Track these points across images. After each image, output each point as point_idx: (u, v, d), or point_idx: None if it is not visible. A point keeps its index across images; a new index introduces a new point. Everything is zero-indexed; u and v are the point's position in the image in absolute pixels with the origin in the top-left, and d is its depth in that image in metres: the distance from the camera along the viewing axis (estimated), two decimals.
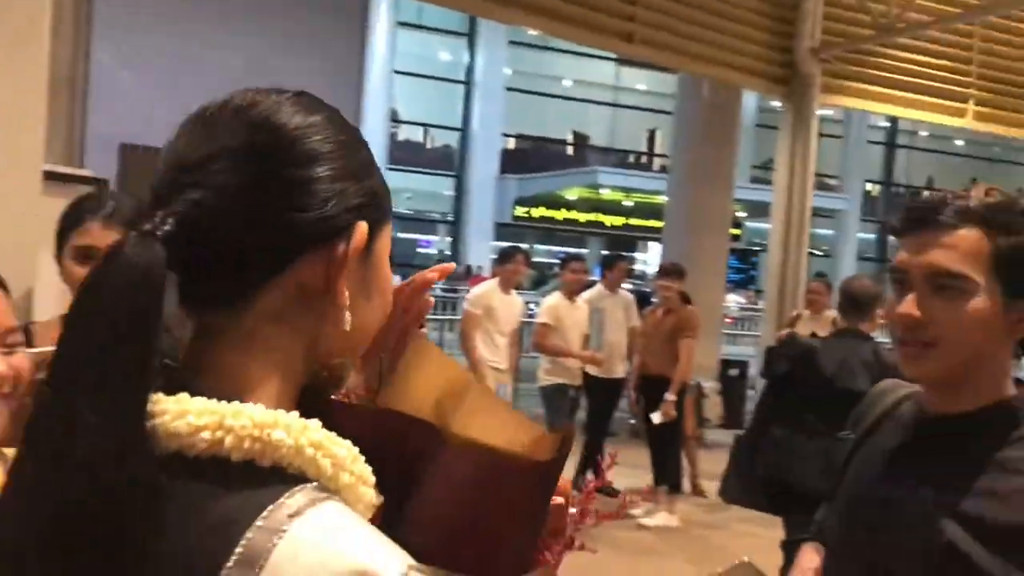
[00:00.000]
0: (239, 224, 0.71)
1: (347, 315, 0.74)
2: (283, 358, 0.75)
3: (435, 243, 27.66)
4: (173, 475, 0.65)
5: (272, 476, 0.67)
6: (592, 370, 6.57)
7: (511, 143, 27.31)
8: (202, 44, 19.77)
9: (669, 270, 6.57)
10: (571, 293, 6.49)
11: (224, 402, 0.68)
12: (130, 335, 0.66)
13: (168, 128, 0.77)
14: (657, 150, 27.41)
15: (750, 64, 7.88)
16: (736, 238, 23.90)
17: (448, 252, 25.35)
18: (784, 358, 4.36)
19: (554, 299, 6.57)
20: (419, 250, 27.92)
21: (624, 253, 9.62)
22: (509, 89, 25.29)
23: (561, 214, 25.83)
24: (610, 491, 1.47)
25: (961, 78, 8.59)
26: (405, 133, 26.73)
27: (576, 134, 28.81)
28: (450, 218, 26.19)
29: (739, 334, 16.74)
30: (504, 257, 6.42)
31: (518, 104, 25.80)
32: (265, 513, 0.64)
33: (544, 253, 25.39)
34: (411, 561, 0.66)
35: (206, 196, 0.71)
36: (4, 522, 0.66)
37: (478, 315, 6.15)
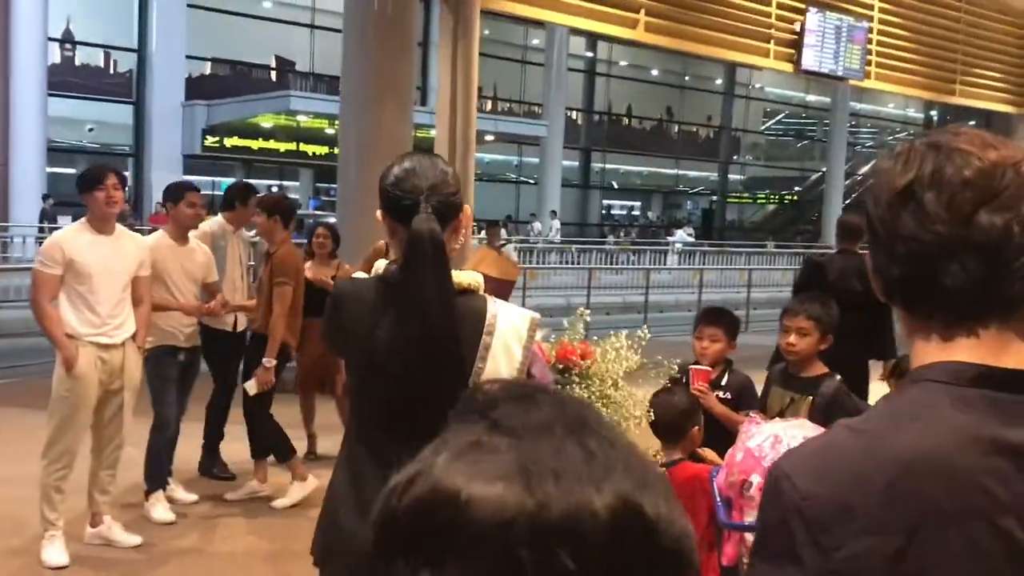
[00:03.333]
0: (457, 204, 2.08)
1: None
2: None
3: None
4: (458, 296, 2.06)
5: (477, 294, 2.10)
6: (215, 323, 5.28)
7: (207, 68, 25.05)
8: None
9: (265, 203, 5.29)
10: (180, 232, 5.01)
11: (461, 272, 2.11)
12: (441, 251, 1.98)
13: None
14: None
15: None
16: None
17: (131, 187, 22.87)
18: None
19: (152, 239, 5.00)
20: None
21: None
22: (191, 6, 22.92)
23: (258, 144, 24.03)
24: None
25: None
26: (84, 57, 23.74)
27: (279, 59, 27.00)
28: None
29: None
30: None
31: (209, 25, 23.52)
32: (489, 305, 2.08)
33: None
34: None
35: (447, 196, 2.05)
36: (386, 335, 2.02)
37: (54, 276, 4.19)
